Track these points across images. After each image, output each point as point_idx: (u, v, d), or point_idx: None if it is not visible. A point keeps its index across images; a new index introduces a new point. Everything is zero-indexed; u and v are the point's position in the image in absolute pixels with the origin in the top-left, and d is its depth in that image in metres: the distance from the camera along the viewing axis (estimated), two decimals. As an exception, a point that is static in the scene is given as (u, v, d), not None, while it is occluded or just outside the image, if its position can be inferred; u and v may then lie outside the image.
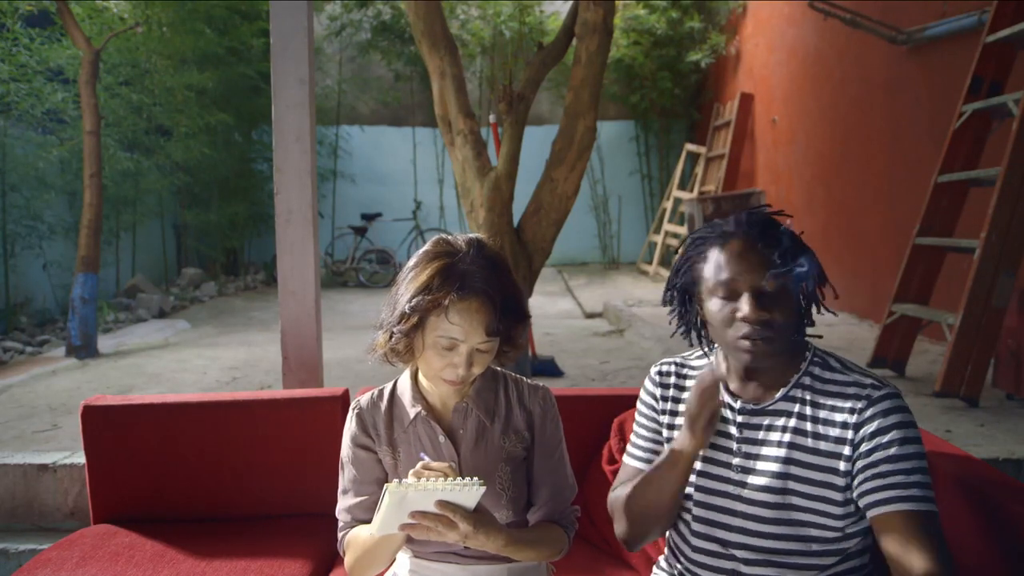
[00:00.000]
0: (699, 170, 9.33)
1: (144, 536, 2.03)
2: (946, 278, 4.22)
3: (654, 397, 1.51)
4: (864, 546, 1.39)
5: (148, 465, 2.15)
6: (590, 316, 7.01)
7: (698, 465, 1.42)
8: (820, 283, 1.37)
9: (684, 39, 9.61)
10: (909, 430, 1.29)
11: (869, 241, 5.94)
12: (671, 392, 1.49)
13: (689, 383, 1.48)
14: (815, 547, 1.34)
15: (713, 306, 1.36)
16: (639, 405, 1.54)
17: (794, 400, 1.37)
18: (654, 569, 1.60)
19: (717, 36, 9.35)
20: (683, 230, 8.36)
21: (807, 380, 1.38)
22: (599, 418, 2.11)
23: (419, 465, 1.29)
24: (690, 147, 9.70)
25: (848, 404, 1.33)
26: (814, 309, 1.40)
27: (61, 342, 5.82)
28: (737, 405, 1.40)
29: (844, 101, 6.42)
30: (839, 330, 5.63)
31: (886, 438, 1.28)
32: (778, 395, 1.38)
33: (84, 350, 5.26)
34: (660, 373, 1.52)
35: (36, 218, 6.46)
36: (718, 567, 1.39)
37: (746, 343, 1.32)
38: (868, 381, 1.34)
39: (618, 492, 1.48)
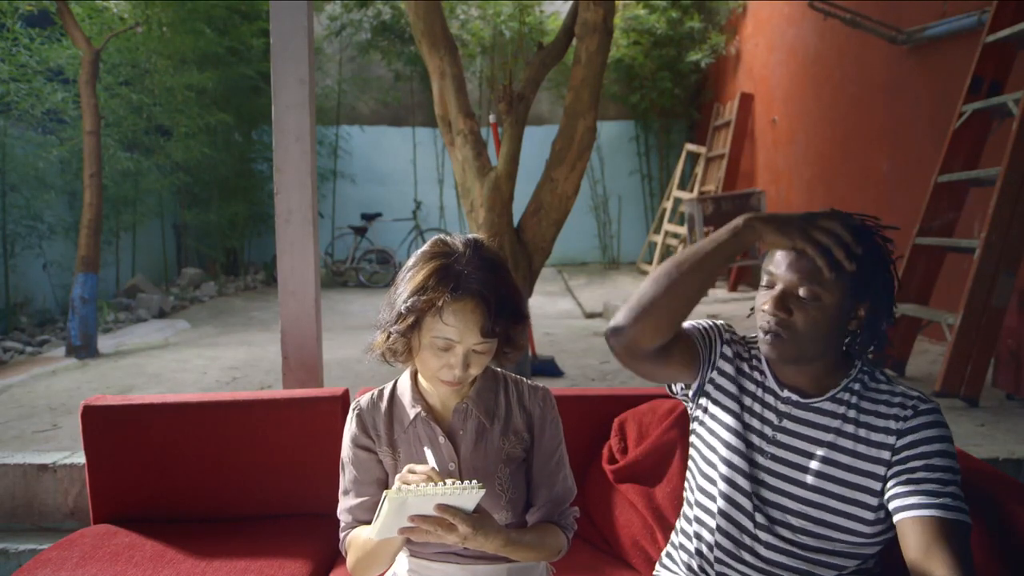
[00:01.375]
0: (699, 170, 9.33)
1: (144, 536, 2.03)
2: (946, 278, 4.22)
3: (719, 332, 1.51)
4: (878, 552, 1.40)
5: (148, 465, 2.15)
6: (590, 316, 7.01)
7: (731, 439, 1.43)
8: (880, 324, 1.38)
9: (684, 39, 9.62)
10: (949, 446, 1.32)
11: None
12: (735, 349, 1.50)
13: (747, 361, 1.49)
14: (840, 547, 1.35)
15: (760, 290, 1.41)
16: (704, 323, 1.53)
17: (841, 403, 1.39)
18: (656, 567, 1.60)
19: (717, 36, 9.35)
20: (683, 230, 8.36)
21: (856, 386, 1.40)
22: (599, 418, 2.11)
23: (404, 469, 1.29)
24: (690, 147, 9.70)
25: (894, 411, 1.35)
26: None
27: (61, 342, 5.82)
28: (783, 394, 1.42)
29: (844, 101, 6.42)
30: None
31: (928, 448, 1.30)
32: (825, 395, 1.40)
33: (84, 350, 5.26)
34: (732, 336, 1.53)
35: (36, 218, 6.46)
36: (740, 541, 1.40)
37: (761, 333, 1.38)
38: (915, 394, 1.37)
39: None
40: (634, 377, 4.60)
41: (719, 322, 1.55)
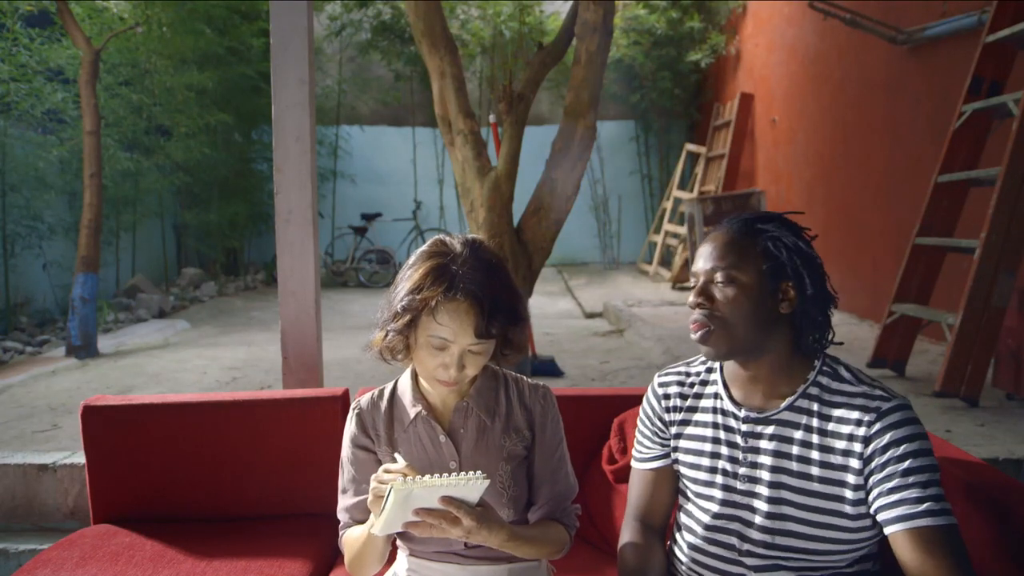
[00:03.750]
0: (699, 170, 9.33)
1: (144, 536, 2.03)
2: (946, 278, 4.22)
3: (654, 410, 1.52)
4: (875, 549, 1.39)
5: (148, 465, 2.15)
6: (590, 316, 7.01)
7: (705, 475, 1.43)
8: (816, 306, 1.35)
9: (684, 39, 9.62)
10: (922, 442, 1.28)
11: (869, 241, 5.94)
12: (673, 402, 1.50)
13: (692, 390, 1.49)
14: (824, 559, 1.34)
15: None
16: (642, 415, 1.55)
17: (800, 411, 1.36)
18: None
19: (717, 36, 9.35)
20: (683, 230, 8.36)
21: (814, 390, 1.36)
22: (599, 418, 2.11)
23: (380, 469, 1.29)
24: (690, 147, 9.70)
25: (855, 415, 1.31)
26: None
27: (61, 342, 5.82)
28: (741, 414, 1.40)
29: (844, 101, 6.42)
30: (839, 330, 5.62)
31: (899, 452, 1.27)
32: (783, 404, 1.36)
33: (84, 350, 5.26)
34: (661, 384, 1.52)
35: (36, 218, 6.46)
36: (728, 572, 1.39)
37: (694, 335, 1.37)
38: (877, 393, 1.32)
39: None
40: (634, 377, 4.58)
41: (649, 402, 1.53)
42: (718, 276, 1.34)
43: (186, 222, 8.95)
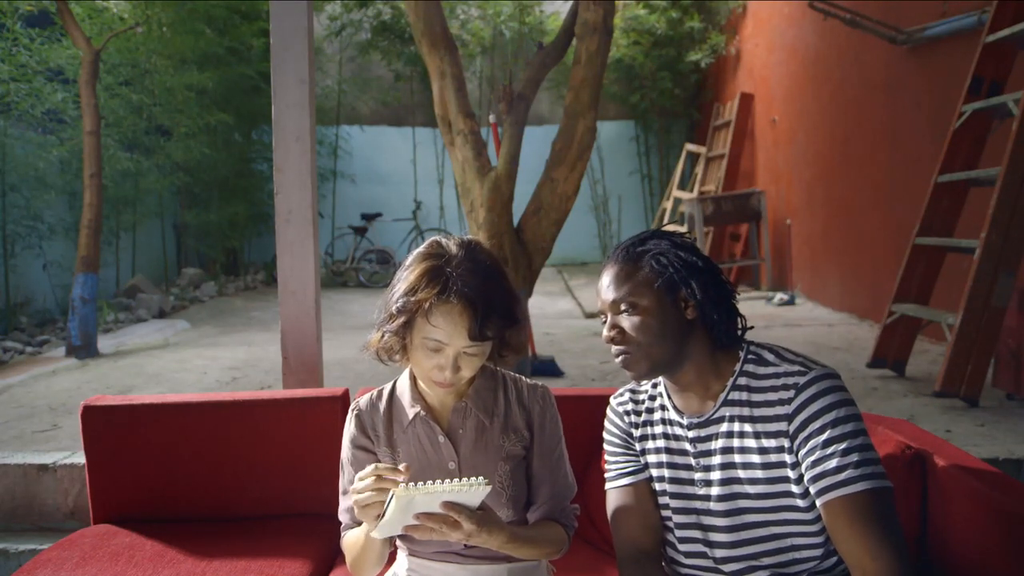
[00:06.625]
0: (699, 170, 9.33)
1: (144, 536, 2.03)
2: (946, 278, 4.22)
3: (618, 427, 1.53)
4: None
5: (148, 465, 2.15)
6: (590, 316, 7.00)
7: (669, 487, 1.43)
8: (716, 300, 1.36)
9: (684, 39, 9.62)
10: (839, 410, 1.27)
11: (869, 241, 5.94)
12: (632, 419, 1.51)
13: (643, 406, 1.50)
14: (794, 542, 1.33)
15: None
16: (607, 436, 1.55)
17: (734, 404, 1.36)
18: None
19: (717, 36, 9.36)
20: (683, 230, 8.37)
21: (743, 380, 1.37)
22: (599, 418, 2.10)
23: (369, 468, 1.28)
24: (690, 147, 9.70)
25: (778, 396, 1.32)
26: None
27: (61, 342, 5.82)
28: (685, 421, 1.41)
29: (844, 101, 6.42)
30: (839, 330, 5.63)
31: (818, 424, 1.27)
32: (718, 403, 1.38)
33: (84, 350, 5.26)
34: (620, 404, 1.54)
35: (36, 218, 6.46)
36: (706, 567, 1.39)
37: (617, 362, 1.38)
38: (795, 369, 1.32)
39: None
40: (634, 377, 4.49)
41: (612, 422, 1.53)
42: (621, 307, 1.37)
43: (186, 222, 8.95)
